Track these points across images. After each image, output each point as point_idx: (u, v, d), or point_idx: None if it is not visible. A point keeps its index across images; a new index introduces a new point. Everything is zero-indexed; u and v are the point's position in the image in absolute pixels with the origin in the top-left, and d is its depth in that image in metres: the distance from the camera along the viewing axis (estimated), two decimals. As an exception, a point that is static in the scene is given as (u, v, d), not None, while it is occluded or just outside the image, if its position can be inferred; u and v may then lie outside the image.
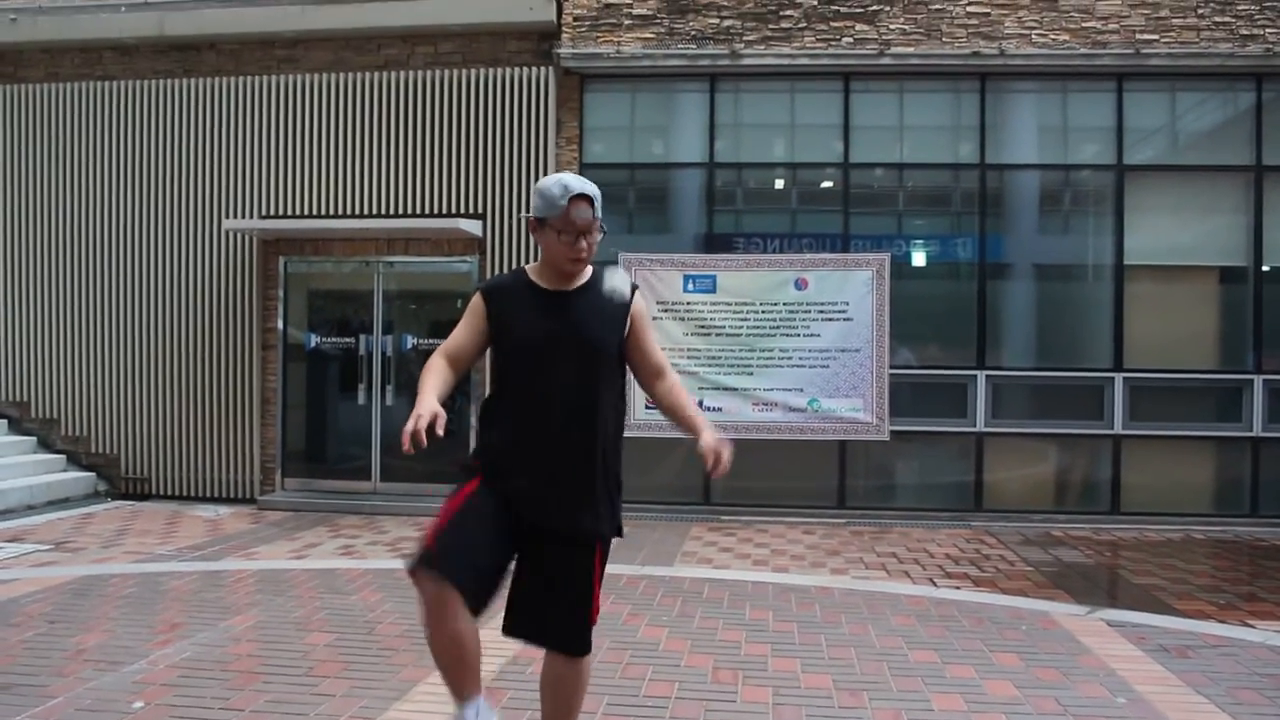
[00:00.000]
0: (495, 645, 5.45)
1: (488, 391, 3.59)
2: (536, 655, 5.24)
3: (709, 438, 3.41)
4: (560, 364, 3.39)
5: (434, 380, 3.43)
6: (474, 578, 3.26)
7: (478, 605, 3.26)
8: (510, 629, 3.46)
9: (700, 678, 4.97)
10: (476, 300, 3.56)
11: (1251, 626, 6.37)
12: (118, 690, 4.64)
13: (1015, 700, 4.69)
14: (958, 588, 7.42)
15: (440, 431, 3.20)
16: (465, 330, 3.56)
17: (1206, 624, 6.35)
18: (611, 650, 5.41)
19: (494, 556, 3.37)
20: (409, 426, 3.17)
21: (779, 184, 11.41)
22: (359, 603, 6.43)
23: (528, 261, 10.59)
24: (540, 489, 3.37)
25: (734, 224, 11.32)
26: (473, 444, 3.85)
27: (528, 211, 4.06)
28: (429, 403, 3.26)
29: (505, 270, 10.74)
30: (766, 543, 9.26)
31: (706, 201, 11.06)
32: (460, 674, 3.28)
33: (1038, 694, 4.78)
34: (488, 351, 3.62)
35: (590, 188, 3.39)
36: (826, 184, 11.14)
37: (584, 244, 3.40)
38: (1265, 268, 10.60)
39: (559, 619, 3.42)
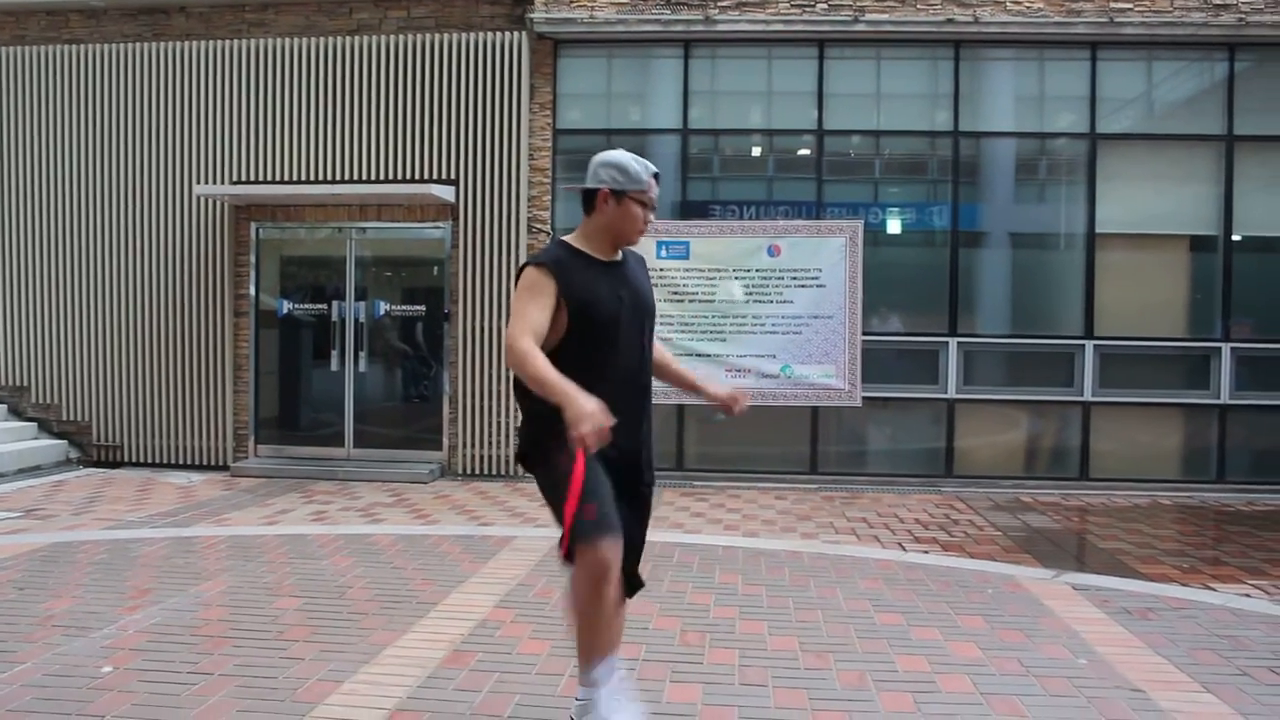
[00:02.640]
0: (464, 610, 5.50)
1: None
2: (505, 618, 5.29)
3: (718, 386, 3.91)
4: (633, 329, 3.64)
5: (551, 367, 3.34)
6: (618, 522, 3.46)
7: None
8: (613, 524, 3.47)
9: (668, 640, 5.01)
10: (542, 277, 3.50)
11: (1213, 590, 6.45)
12: (87, 655, 4.64)
13: (978, 661, 4.75)
14: (926, 552, 7.49)
15: (613, 422, 3.21)
16: (541, 308, 3.47)
17: (1169, 587, 6.43)
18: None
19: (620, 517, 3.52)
20: (590, 428, 3.13)
21: (754, 151, 11.41)
22: (330, 567, 6.44)
23: (502, 229, 10.65)
24: (634, 444, 3.64)
25: (709, 191, 11.32)
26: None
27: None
28: (587, 398, 3.20)
29: (477, 238, 10.73)
30: (738, 508, 9.31)
31: (681, 168, 11.04)
32: (616, 630, 3.63)
33: (1001, 655, 4.84)
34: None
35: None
36: (802, 151, 11.14)
37: (650, 216, 3.68)
38: (1235, 237, 10.68)
39: (635, 563, 3.75)
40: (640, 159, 3.65)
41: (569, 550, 3.39)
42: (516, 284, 3.60)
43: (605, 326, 3.55)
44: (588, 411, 3.15)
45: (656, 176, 3.66)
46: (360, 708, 4.06)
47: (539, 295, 3.48)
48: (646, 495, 3.79)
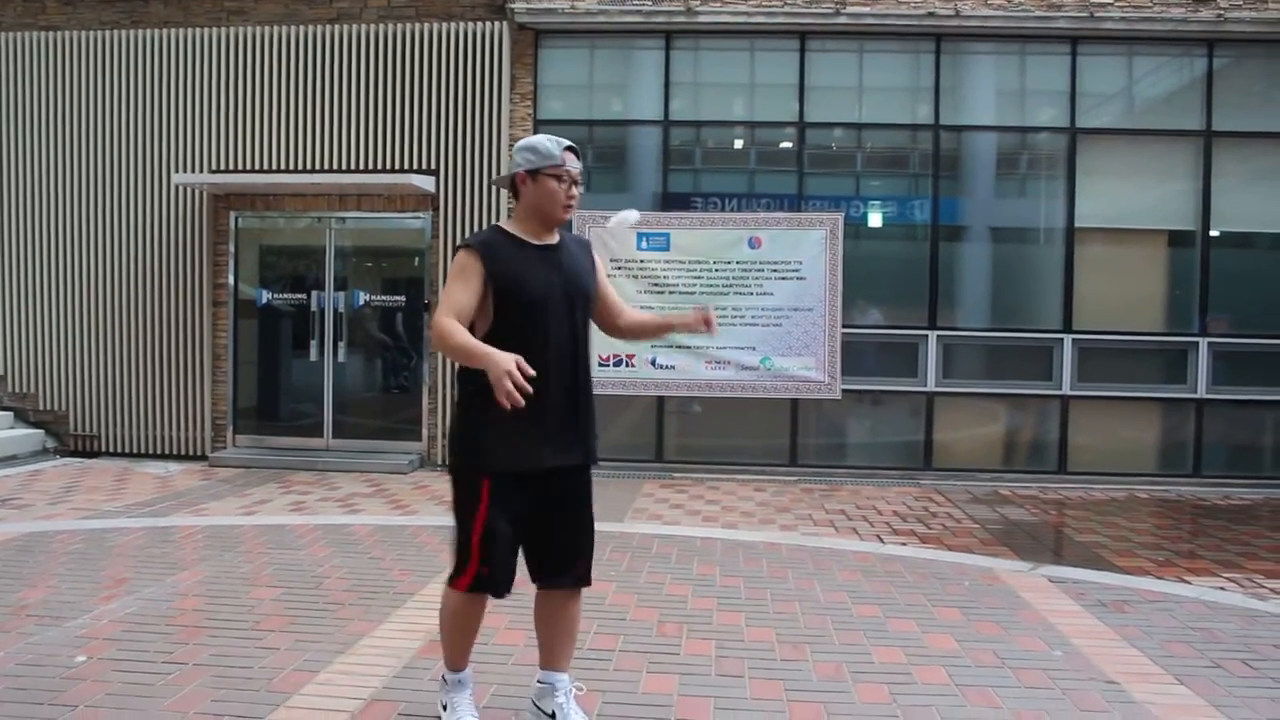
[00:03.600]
0: (441, 600, 5.49)
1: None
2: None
3: (684, 313, 3.97)
4: (561, 314, 3.60)
5: (470, 336, 3.43)
6: (510, 579, 3.64)
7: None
8: (543, 579, 3.74)
9: (645, 631, 5.01)
10: (469, 259, 3.53)
11: (1188, 583, 6.49)
12: (60, 644, 4.62)
13: (954, 653, 4.77)
14: (904, 544, 7.51)
15: (530, 370, 3.24)
16: (466, 290, 3.50)
17: (1145, 580, 6.48)
18: (559, 605, 5.44)
19: (515, 548, 3.67)
20: (508, 384, 3.18)
21: (736, 143, 11.41)
22: (307, 558, 6.42)
23: (482, 219, 10.62)
24: (557, 432, 3.59)
25: (690, 183, 11.31)
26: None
27: (496, 174, 4.23)
28: (501, 353, 3.26)
29: (457, 228, 10.70)
30: (717, 500, 9.32)
31: (662, 160, 11.03)
32: (468, 645, 3.77)
33: (977, 647, 4.86)
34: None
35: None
36: (783, 144, 11.14)
37: (575, 191, 3.66)
38: (1213, 232, 10.73)
39: (581, 550, 3.74)
40: (555, 137, 3.67)
41: (466, 585, 3.60)
42: None
43: (531, 309, 3.55)
44: (505, 369, 3.19)
45: (574, 151, 3.66)
46: (336, 697, 4.05)
47: (465, 278, 3.51)
48: (578, 488, 3.72)
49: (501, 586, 3.59)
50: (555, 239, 3.71)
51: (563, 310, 3.61)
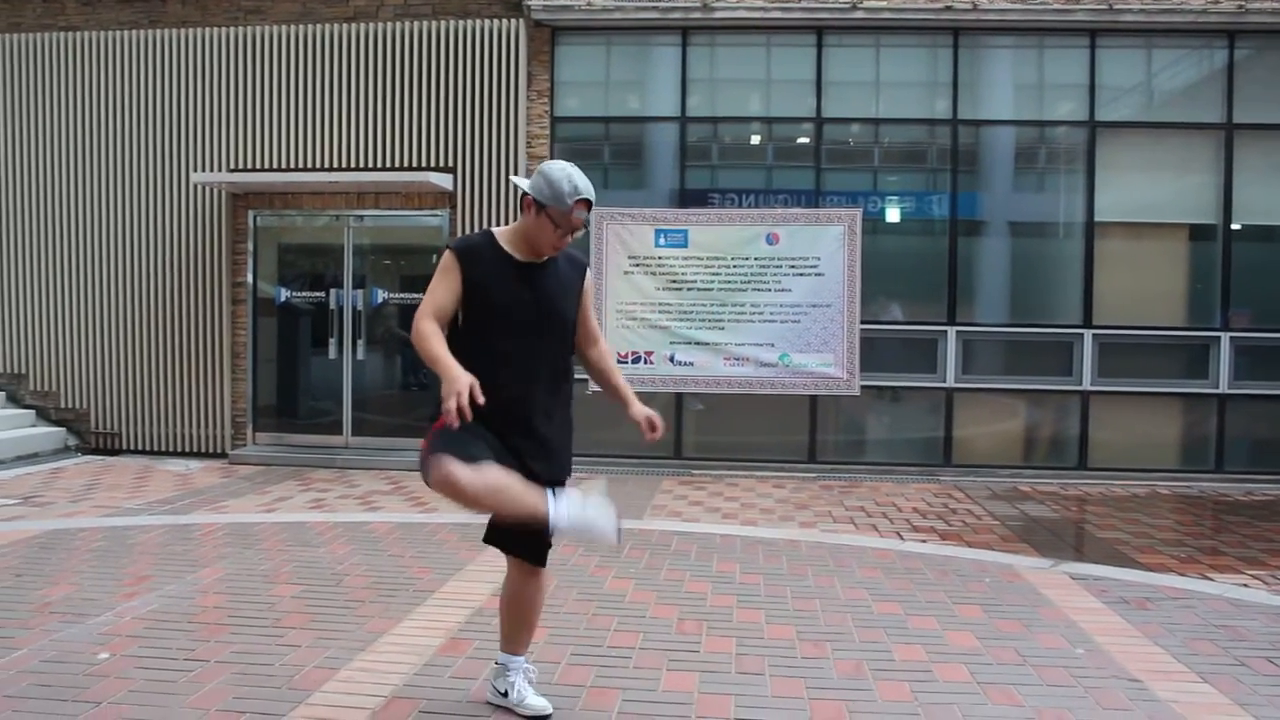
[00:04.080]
0: (460, 597, 5.50)
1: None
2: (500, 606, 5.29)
3: (640, 408, 3.88)
4: (532, 331, 3.69)
5: (439, 341, 3.55)
6: (473, 457, 3.39)
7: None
8: (492, 539, 3.84)
9: (665, 628, 5.01)
10: (450, 260, 3.68)
11: (1211, 580, 6.45)
12: (83, 641, 4.64)
13: (976, 651, 4.75)
14: (924, 541, 7.49)
15: (481, 400, 3.32)
16: (446, 290, 3.66)
17: (1167, 577, 6.44)
18: (578, 601, 5.45)
19: (487, 444, 3.53)
20: (452, 404, 3.27)
21: (753, 139, 11.38)
22: (327, 555, 6.44)
23: (501, 216, 10.62)
24: (518, 440, 3.65)
25: (707, 179, 11.29)
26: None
27: (514, 173, 4.31)
28: (461, 374, 3.37)
29: (475, 226, 10.70)
30: (736, 496, 9.31)
31: (679, 156, 11.01)
32: (520, 494, 3.44)
33: (998, 645, 4.84)
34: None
35: (593, 192, 3.70)
36: (800, 139, 11.11)
37: (568, 240, 3.71)
38: (1235, 226, 10.65)
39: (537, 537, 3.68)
40: (577, 179, 3.63)
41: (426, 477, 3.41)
42: None
43: (497, 320, 3.66)
44: (457, 389, 3.30)
45: (588, 204, 3.66)
46: (356, 695, 4.06)
47: (446, 276, 3.67)
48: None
49: (445, 449, 3.35)
50: (544, 257, 3.75)
51: (542, 329, 3.70)
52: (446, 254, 3.71)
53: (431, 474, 3.34)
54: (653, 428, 3.84)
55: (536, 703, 3.92)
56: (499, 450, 3.55)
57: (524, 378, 3.67)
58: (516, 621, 3.96)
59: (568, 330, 3.82)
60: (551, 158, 10.83)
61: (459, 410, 3.26)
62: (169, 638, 4.72)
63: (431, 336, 3.53)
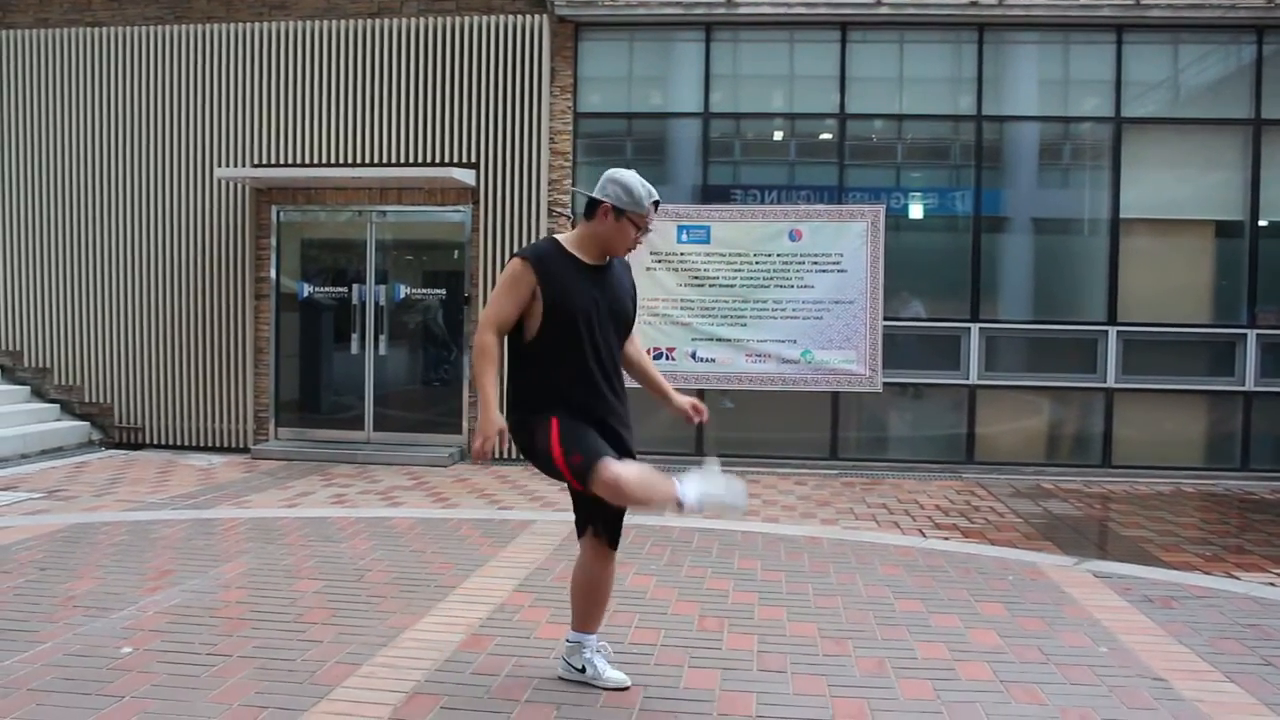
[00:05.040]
0: (482, 593, 5.51)
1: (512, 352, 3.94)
2: (523, 602, 5.30)
3: (680, 398, 4.18)
4: (605, 330, 3.90)
5: (493, 375, 3.81)
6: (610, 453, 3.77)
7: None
8: (597, 531, 4.02)
9: (686, 625, 5.00)
10: (521, 269, 3.80)
11: (1236, 578, 6.40)
12: (107, 635, 4.67)
13: (998, 649, 4.72)
14: (946, 539, 7.45)
15: (505, 449, 3.62)
16: (511, 300, 3.81)
17: (1192, 575, 6.39)
18: (599, 598, 5.44)
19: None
20: (479, 446, 3.75)
21: (776, 135, 11.35)
22: (349, 550, 6.45)
23: (523, 212, 10.64)
24: (612, 422, 3.92)
25: (730, 175, 11.27)
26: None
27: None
28: (495, 419, 3.77)
29: (498, 222, 10.72)
30: (758, 493, 9.28)
31: (702, 152, 10.99)
32: (657, 480, 3.74)
33: (1021, 643, 4.81)
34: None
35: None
36: (823, 135, 11.08)
37: (643, 240, 4.01)
38: (1262, 222, 10.56)
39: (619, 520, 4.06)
40: (647, 185, 3.90)
41: (582, 485, 3.75)
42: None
43: (575, 326, 3.81)
44: (490, 432, 3.75)
45: (657, 204, 3.94)
46: (378, 690, 4.07)
47: (515, 287, 3.81)
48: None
49: (600, 449, 3.72)
50: (605, 260, 3.99)
51: (611, 327, 3.93)
52: (516, 262, 3.82)
53: (600, 476, 3.61)
54: (697, 411, 4.15)
55: (616, 676, 4.13)
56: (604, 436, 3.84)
57: (603, 371, 3.88)
58: (592, 601, 4.12)
59: (629, 325, 4.08)
60: (574, 154, 10.85)
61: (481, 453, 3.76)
62: (191, 632, 4.74)
63: (487, 359, 3.79)
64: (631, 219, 3.87)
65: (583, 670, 4.13)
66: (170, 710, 3.84)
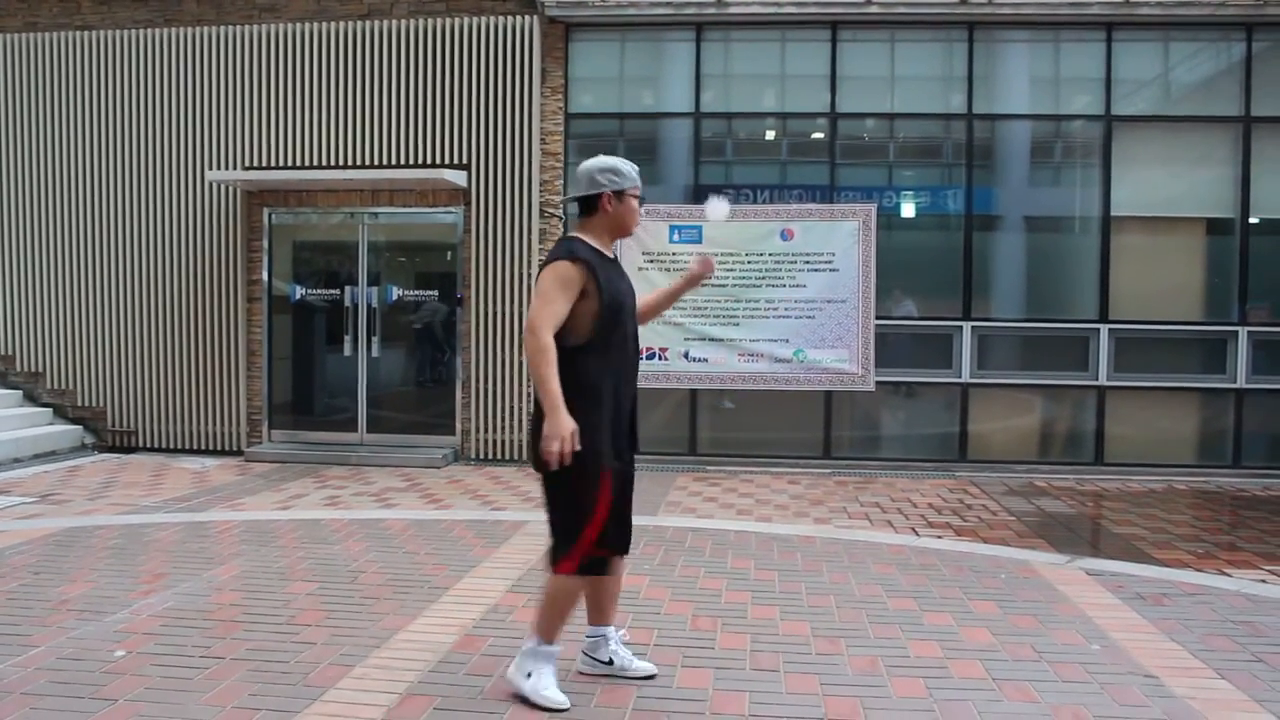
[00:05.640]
0: (476, 594, 5.51)
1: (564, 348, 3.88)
2: (516, 603, 5.30)
3: (689, 269, 4.41)
4: (633, 318, 4.12)
5: (557, 376, 3.77)
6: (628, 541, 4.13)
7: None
8: (626, 548, 4.14)
9: (679, 625, 5.01)
10: (574, 272, 3.85)
11: (1228, 575, 6.42)
12: (100, 639, 4.67)
13: (991, 647, 4.74)
14: (939, 537, 7.46)
15: (579, 446, 3.73)
16: (565, 303, 3.84)
17: (1184, 573, 6.40)
18: (593, 599, 5.44)
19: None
20: (555, 448, 3.69)
21: (767, 134, 11.36)
22: (342, 552, 6.45)
23: (515, 213, 10.64)
24: (632, 423, 4.15)
25: (721, 175, 11.27)
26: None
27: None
28: (566, 421, 3.72)
29: (489, 223, 10.73)
30: (751, 493, 9.30)
31: (694, 152, 11.00)
32: (567, 621, 4.05)
33: (1014, 641, 4.83)
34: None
35: None
36: (815, 134, 11.08)
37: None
38: (1252, 219, 10.59)
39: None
40: (621, 159, 4.09)
41: (575, 568, 3.92)
42: (540, 275, 3.92)
43: (624, 321, 3.98)
44: (563, 434, 3.69)
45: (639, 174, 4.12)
46: (372, 692, 4.07)
47: (569, 289, 3.84)
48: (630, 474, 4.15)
49: (623, 549, 4.05)
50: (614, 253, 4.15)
51: (631, 315, 4.10)
52: (568, 266, 3.84)
53: (571, 569, 3.92)
54: (705, 264, 4.39)
55: (644, 666, 4.27)
56: (628, 482, 4.09)
57: (636, 357, 4.14)
58: (607, 597, 4.20)
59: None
60: (565, 154, 10.85)
61: (557, 456, 3.71)
62: (185, 635, 4.74)
63: (550, 358, 3.76)
64: (631, 194, 4.03)
65: (610, 663, 4.24)
66: (164, 713, 3.84)
